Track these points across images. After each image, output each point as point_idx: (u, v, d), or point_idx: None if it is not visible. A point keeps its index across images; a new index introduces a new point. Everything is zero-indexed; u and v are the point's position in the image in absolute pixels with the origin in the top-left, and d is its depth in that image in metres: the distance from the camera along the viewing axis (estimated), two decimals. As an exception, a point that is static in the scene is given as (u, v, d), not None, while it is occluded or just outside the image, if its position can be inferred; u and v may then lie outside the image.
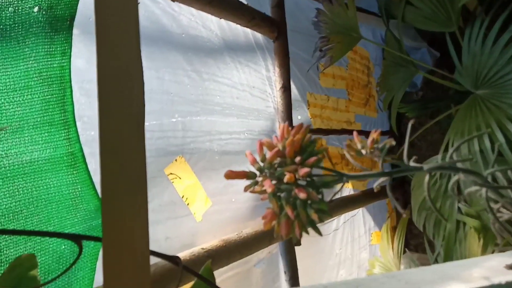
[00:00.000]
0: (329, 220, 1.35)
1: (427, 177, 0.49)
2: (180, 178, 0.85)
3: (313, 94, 1.39)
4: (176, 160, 0.85)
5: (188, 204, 0.86)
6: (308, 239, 1.28)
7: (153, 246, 0.72)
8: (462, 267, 0.51)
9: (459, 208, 1.16)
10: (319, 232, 0.42)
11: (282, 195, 0.41)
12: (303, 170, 0.37)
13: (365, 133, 1.66)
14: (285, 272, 1.15)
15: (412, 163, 0.48)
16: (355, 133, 0.49)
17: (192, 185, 0.87)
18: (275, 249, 1.14)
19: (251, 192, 0.44)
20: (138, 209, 0.47)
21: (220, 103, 0.96)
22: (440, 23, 1.15)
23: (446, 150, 1.06)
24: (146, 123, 0.80)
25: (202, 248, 0.80)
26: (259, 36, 1.17)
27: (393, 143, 0.44)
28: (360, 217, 1.58)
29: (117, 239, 0.32)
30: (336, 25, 1.26)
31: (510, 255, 0.54)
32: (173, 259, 0.50)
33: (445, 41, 1.15)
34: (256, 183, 0.43)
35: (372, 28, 1.82)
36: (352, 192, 1.53)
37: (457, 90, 1.24)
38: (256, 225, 1.02)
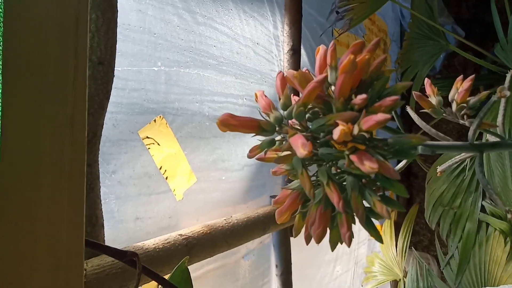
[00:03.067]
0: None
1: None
2: (158, 144, 0.67)
3: (324, 64, 1.20)
4: (155, 120, 0.66)
5: (167, 178, 0.68)
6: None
7: (118, 229, 0.53)
8: None
9: (483, 207, 1.01)
10: (380, 240, 0.25)
11: (321, 167, 0.23)
12: (376, 118, 0.19)
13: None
14: (276, 266, 0.99)
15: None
16: (427, 80, 0.31)
17: (173, 155, 0.69)
18: (267, 239, 0.97)
19: (258, 159, 0.26)
20: (66, 170, 0.29)
21: (216, 56, 0.77)
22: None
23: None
24: (117, 68, 0.60)
25: (180, 235, 0.63)
26: (268, -15, 0.97)
27: (507, 93, 0.27)
28: (361, 208, 1.42)
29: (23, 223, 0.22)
30: (360, -18, 1.06)
31: None
32: (127, 257, 0.32)
33: (472, 20, 0.97)
34: (273, 142, 0.25)
35: (392, 3, 1.63)
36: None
37: (490, 70, 1.07)
38: (249, 210, 0.85)
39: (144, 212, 0.65)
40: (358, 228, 1.40)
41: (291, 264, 1.00)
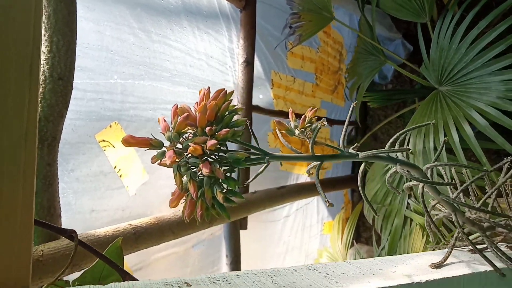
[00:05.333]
0: (280, 206, 1.31)
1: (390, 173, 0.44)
2: (113, 146, 0.77)
3: (279, 73, 1.33)
4: (110, 126, 0.77)
5: (121, 176, 0.78)
6: (256, 224, 1.24)
7: (75, 219, 0.64)
8: (389, 263, 0.47)
9: (409, 204, 1.15)
10: (227, 216, 0.36)
11: (188, 170, 0.35)
12: (210, 142, 0.31)
13: (329, 121, 1.62)
14: (226, 256, 1.11)
15: (351, 151, 0.43)
16: (290, 110, 0.43)
17: (127, 156, 0.79)
18: (218, 231, 1.09)
19: (159, 164, 0.37)
20: (21, 170, 0.38)
21: (169, 69, 0.88)
22: (413, 12, 1.10)
23: (402, 144, 1.03)
24: (77, 81, 0.71)
25: (130, 225, 0.73)
26: (225, 3, 1.08)
27: (325, 123, 0.39)
28: (314, 205, 1.56)
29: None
30: (309, 2, 1.19)
31: (438, 254, 0.50)
32: (66, 232, 0.43)
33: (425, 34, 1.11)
34: (164, 153, 0.36)
35: (350, 13, 1.76)
36: (308, 180, 1.49)
37: (422, 85, 1.21)
38: (198, 205, 0.96)
39: (100, 205, 0.75)
40: (309, 224, 1.54)
41: (240, 254, 1.12)
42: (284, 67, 1.36)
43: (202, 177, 0.34)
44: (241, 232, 1.14)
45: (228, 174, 0.33)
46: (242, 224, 1.12)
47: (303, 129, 0.40)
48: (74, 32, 0.66)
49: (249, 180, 0.38)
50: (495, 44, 0.87)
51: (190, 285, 0.36)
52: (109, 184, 0.76)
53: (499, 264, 0.48)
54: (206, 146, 0.31)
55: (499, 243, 0.57)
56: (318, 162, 0.41)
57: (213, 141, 0.31)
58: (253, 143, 0.39)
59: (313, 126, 0.40)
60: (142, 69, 0.82)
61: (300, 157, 0.40)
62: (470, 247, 0.52)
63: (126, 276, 0.45)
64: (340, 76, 1.68)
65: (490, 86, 0.88)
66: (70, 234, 0.42)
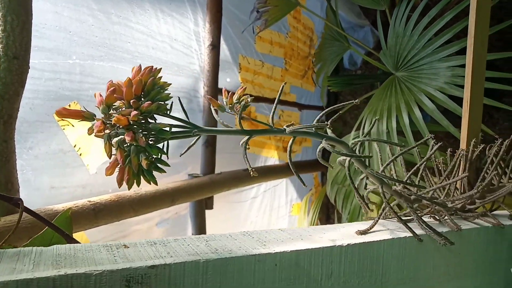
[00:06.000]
0: (248, 187, 1.36)
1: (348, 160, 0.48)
2: (73, 126, 0.79)
3: (247, 57, 1.35)
4: (69, 105, 0.78)
5: (80, 154, 0.81)
6: (224, 205, 1.28)
7: (34, 195, 0.67)
8: (320, 231, 0.51)
9: (367, 185, 1.21)
10: (154, 181, 0.40)
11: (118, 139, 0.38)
12: (133, 113, 0.34)
13: (298, 105, 1.66)
14: (192, 234, 1.14)
15: (276, 128, 0.47)
16: (224, 89, 0.46)
17: (87, 135, 0.81)
18: (184, 210, 1.12)
19: (96, 136, 0.40)
20: None
21: (131, 51, 0.89)
22: (373, 0, 1.14)
23: (359, 127, 1.08)
24: (34, 61, 0.72)
25: (89, 201, 0.76)
26: (190, -14, 1.10)
27: (249, 99, 0.42)
28: (283, 187, 1.61)
29: None
30: (274, -13, 1.21)
31: (366, 224, 0.55)
32: (13, 200, 0.46)
33: (388, 23, 1.15)
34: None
35: (321, 3, 1.79)
36: (276, 163, 1.54)
37: (384, 70, 1.26)
38: (160, 184, 0.99)
39: (59, 182, 0.77)
40: (277, 205, 1.59)
41: (206, 233, 1.16)
42: (253, 51, 1.38)
43: (129, 146, 0.37)
44: (208, 212, 1.18)
45: (154, 144, 0.36)
46: (208, 203, 1.16)
47: (231, 105, 0.43)
48: (29, 12, 0.67)
49: (182, 153, 0.41)
50: (444, 32, 0.92)
51: (128, 247, 0.39)
52: (69, 162, 0.79)
53: (419, 231, 0.53)
54: (130, 116, 0.35)
55: (426, 215, 0.62)
56: (247, 136, 0.45)
57: (135, 112, 0.34)
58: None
59: (242, 103, 0.43)
60: (102, 50, 0.83)
61: (229, 131, 0.43)
62: (404, 216, 0.57)
63: (72, 241, 0.48)
64: (310, 61, 1.72)
65: (438, 72, 0.93)
66: (16, 201, 0.45)
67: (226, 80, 1.27)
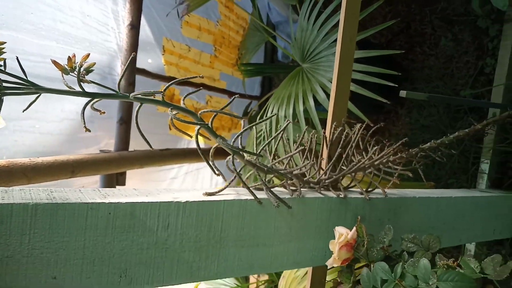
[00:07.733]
0: (168, 167, 1.40)
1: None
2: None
3: (172, 40, 1.38)
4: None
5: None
6: (139, 183, 1.31)
7: None
8: (172, 191, 0.57)
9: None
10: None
11: None
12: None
13: (228, 92, 1.71)
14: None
15: (121, 93, 0.51)
16: (69, 56, 0.50)
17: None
18: (94, 184, 1.15)
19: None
20: None
21: (33, 22, 0.90)
22: (285, -6, 1.21)
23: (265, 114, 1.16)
24: None
25: (-25, 165, 0.77)
26: (110, -36, 1.11)
27: (93, 64, 0.47)
28: (208, 170, 1.66)
29: None
30: (198, -27, 1.25)
31: (230, 191, 0.62)
32: None
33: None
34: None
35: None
36: (204, 147, 1.59)
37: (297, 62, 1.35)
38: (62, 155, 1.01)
39: None
40: (200, 188, 1.64)
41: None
42: (178, 35, 1.42)
43: None
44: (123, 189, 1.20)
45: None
46: (120, 180, 1.19)
47: (71, 69, 0.48)
48: None
49: (25, 108, 0.45)
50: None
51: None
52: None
53: (262, 196, 0.61)
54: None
55: (281, 186, 0.70)
56: (92, 99, 0.49)
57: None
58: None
59: (83, 67, 0.48)
60: (0, 18, 0.83)
61: (70, 92, 0.48)
62: (262, 187, 0.64)
63: None
64: (241, 51, 1.78)
65: (332, 65, 1.02)
66: None
67: (147, 60, 1.30)
